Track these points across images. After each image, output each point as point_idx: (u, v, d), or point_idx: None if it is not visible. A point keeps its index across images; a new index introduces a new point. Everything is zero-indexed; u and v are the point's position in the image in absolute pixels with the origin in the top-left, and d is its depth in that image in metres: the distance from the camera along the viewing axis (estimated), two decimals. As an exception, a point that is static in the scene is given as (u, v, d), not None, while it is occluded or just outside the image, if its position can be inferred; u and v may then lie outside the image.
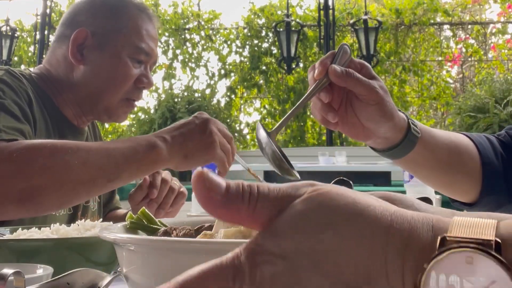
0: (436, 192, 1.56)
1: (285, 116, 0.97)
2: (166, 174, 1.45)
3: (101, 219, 1.08)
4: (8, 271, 0.62)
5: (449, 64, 7.52)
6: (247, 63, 7.34)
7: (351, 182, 0.94)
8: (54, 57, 1.45)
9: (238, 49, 7.44)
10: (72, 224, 1.01)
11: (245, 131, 7.33)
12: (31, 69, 1.47)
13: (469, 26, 7.39)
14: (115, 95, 1.42)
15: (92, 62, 1.40)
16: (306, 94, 0.93)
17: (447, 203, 1.16)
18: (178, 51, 7.44)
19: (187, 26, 7.51)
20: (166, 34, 7.44)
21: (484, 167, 1.02)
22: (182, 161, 1.16)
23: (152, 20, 1.48)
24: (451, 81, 7.62)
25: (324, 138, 6.73)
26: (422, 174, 1.06)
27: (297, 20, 6.83)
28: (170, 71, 7.35)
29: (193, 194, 1.87)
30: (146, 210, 0.77)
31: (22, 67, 7.57)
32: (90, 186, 1.09)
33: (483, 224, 0.31)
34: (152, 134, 1.15)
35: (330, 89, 0.93)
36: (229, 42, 7.47)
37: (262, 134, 0.94)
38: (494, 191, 1.03)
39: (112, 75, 1.40)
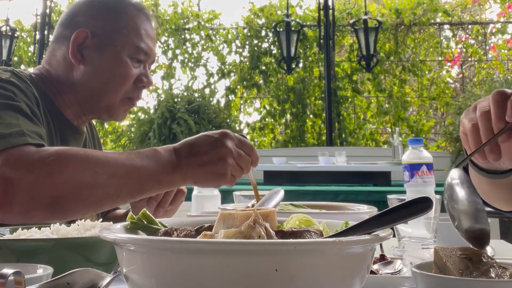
0: (436, 192, 1.56)
1: (471, 153, 0.91)
2: None
3: (101, 219, 1.08)
4: (8, 271, 0.62)
5: (449, 64, 7.52)
6: (247, 63, 7.34)
7: None
8: (53, 57, 1.45)
9: (238, 49, 7.44)
10: (72, 224, 1.01)
11: (245, 131, 7.33)
12: (31, 69, 1.47)
13: (469, 26, 7.39)
14: (115, 95, 1.42)
15: (92, 62, 1.40)
16: (492, 137, 0.89)
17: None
18: (177, 51, 7.44)
19: (186, 26, 7.50)
20: (166, 34, 7.44)
21: None
22: (193, 184, 1.21)
23: (150, 19, 1.48)
24: (451, 81, 7.62)
25: (324, 138, 6.72)
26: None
27: (297, 20, 6.82)
28: (170, 71, 7.35)
29: (192, 194, 1.88)
30: (147, 211, 0.77)
31: (22, 67, 7.56)
32: (114, 199, 1.13)
33: None
34: (174, 149, 1.16)
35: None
36: (228, 42, 7.46)
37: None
38: None
39: (113, 75, 1.40)
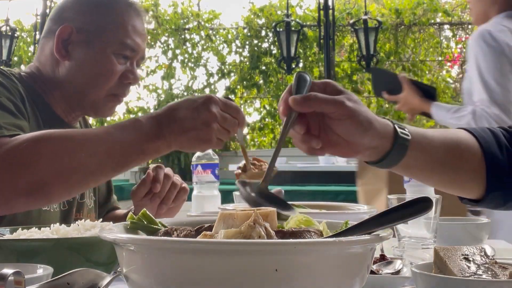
0: (436, 192, 1.56)
1: (269, 164, 0.95)
2: (168, 170, 1.46)
3: (101, 219, 1.07)
4: (8, 271, 0.62)
5: (449, 64, 7.52)
6: (247, 63, 7.34)
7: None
8: (42, 53, 1.44)
9: (238, 49, 7.44)
10: (72, 224, 1.01)
11: (245, 131, 7.33)
12: (22, 68, 1.46)
13: (469, 26, 7.39)
14: (100, 91, 1.41)
15: (77, 58, 1.39)
16: (281, 133, 0.93)
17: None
18: (177, 51, 7.44)
19: (186, 26, 7.50)
20: (166, 34, 7.44)
21: (488, 163, 1.00)
22: (180, 149, 1.18)
23: (140, 15, 1.46)
24: (451, 81, 7.62)
25: (324, 138, 6.72)
26: (421, 177, 1.04)
27: (297, 20, 6.82)
28: (170, 71, 7.35)
29: (193, 194, 1.88)
30: (147, 211, 0.77)
31: (22, 67, 7.57)
32: (98, 175, 1.12)
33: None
34: (156, 116, 1.13)
35: (303, 119, 0.92)
36: (228, 42, 7.47)
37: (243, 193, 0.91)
38: (499, 187, 1.01)
39: (96, 71, 1.39)
